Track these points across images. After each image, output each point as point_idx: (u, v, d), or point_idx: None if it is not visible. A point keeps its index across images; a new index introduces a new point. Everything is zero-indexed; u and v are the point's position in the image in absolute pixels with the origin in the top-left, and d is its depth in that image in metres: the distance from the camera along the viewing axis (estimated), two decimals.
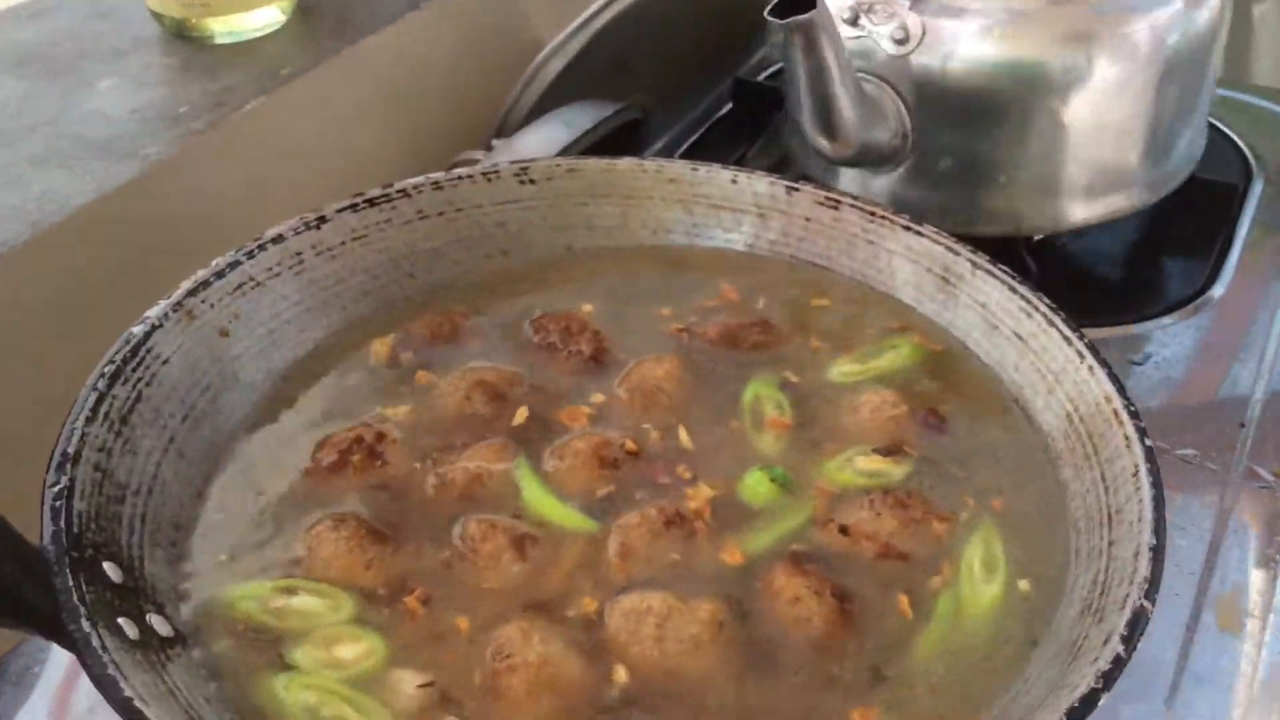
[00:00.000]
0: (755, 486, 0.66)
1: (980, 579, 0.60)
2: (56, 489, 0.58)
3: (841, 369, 0.74)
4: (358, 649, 0.58)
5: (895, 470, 0.67)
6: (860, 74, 0.88)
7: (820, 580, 0.59)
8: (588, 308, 0.79)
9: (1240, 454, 0.82)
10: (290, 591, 0.61)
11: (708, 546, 0.63)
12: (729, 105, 1.22)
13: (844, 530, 0.62)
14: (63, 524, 0.56)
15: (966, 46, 0.88)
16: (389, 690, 0.56)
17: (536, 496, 0.65)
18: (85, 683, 0.67)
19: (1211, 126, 1.18)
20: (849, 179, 0.96)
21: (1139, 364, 0.89)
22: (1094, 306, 0.95)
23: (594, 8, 1.17)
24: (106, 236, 0.88)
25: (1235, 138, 1.17)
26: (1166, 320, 0.94)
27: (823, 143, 0.86)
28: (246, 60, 1.04)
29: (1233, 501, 0.79)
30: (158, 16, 1.06)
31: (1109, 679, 0.51)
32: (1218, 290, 0.97)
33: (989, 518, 0.64)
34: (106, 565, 0.58)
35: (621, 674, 0.56)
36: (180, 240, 0.91)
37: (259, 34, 1.06)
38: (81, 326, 0.85)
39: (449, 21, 1.16)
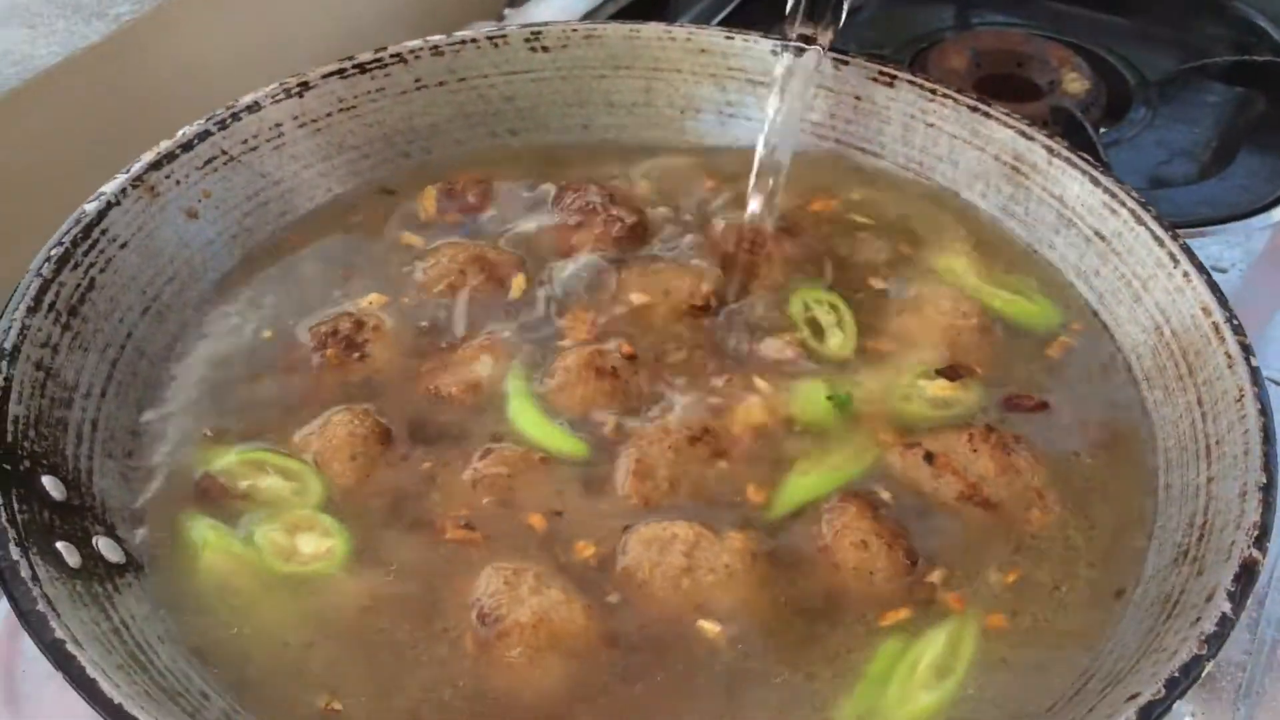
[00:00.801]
0: (808, 406, 0.58)
1: (920, 680, 0.48)
2: None
3: (951, 263, 0.65)
4: (319, 545, 0.52)
5: (965, 396, 0.58)
6: None
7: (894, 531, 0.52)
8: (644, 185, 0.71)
9: None
10: (260, 468, 0.55)
11: (744, 474, 0.55)
12: None
13: (929, 458, 0.54)
14: None
15: None
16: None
17: (523, 415, 0.57)
18: None
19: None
20: None
21: (1222, 273, 0.80)
22: (1170, 204, 0.85)
23: None
24: (72, 102, 0.79)
25: None
26: (1254, 223, 0.84)
27: None
28: None
29: None
30: None
31: (1214, 642, 0.43)
32: None
33: (981, 611, 0.50)
34: (46, 480, 0.50)
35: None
36: (154, 110, 0.82)
37: None
38: (42, 204, 0.76)
39: None
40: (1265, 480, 0.48)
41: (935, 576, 0.51)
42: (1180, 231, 0.80)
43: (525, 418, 0.57)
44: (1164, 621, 0.46)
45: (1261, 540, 0.46)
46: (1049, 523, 0.53)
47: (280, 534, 0.52)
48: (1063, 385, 0.60)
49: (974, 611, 0.50)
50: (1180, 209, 0.86)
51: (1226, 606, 0.44)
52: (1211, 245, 0.82)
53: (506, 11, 1.03)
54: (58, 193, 0.71)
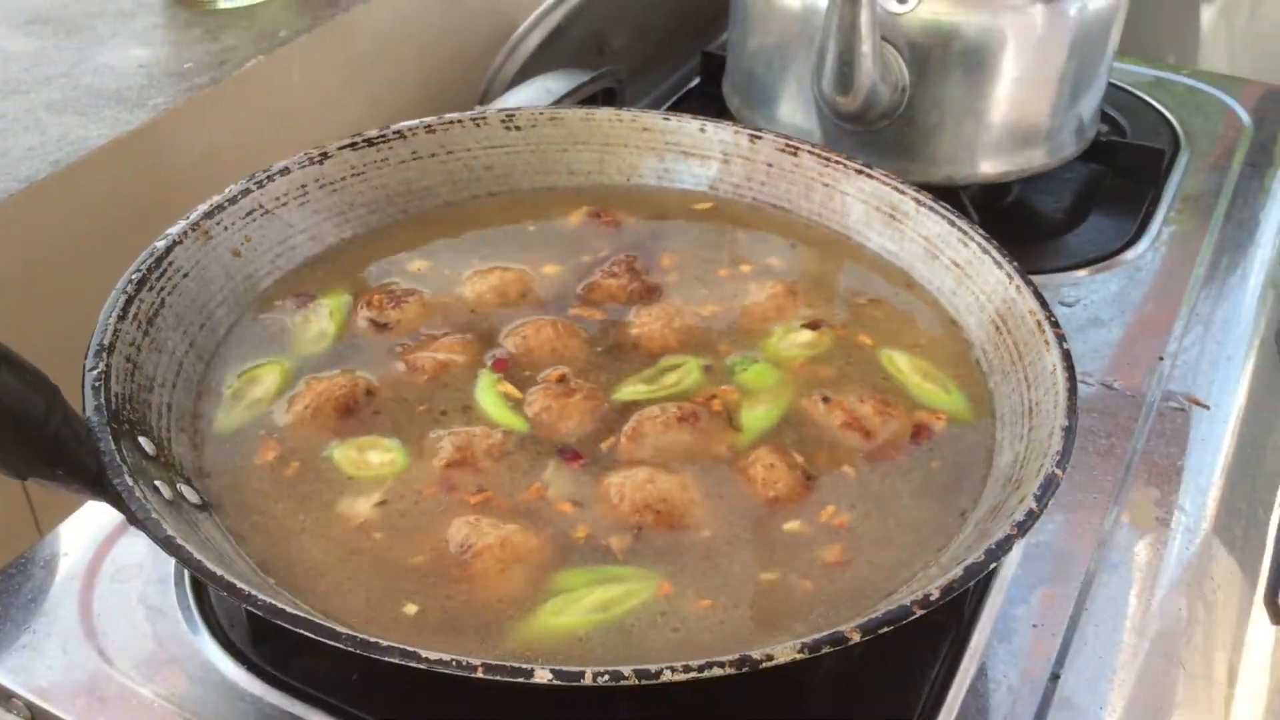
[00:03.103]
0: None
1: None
2: (95, 372, 0.65)
3: (894, 357, 0.80)
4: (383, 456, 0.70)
5: (822, 340, 0.79)
6: None
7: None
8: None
9: (1157, 382, 0.90)
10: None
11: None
12: (697, 79, 1.30)
13: (826, 400, 0.73)
14: (102, 400, 0.63)
15: (956, 12, 0.97)
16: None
17: (488, 399, 0.73)
18: (107, 566, 0.74)
19: (1144, 103, 1.28)
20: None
21: (1069, 306, 0.98)
22: (1033, 256, 1.03)
23: None
24: (120, 176, 0.94)
25: (1168, 114, 1.26)
26: (1097, 270, 1.03)
27: (838, 99, 0.94)
28: (246, 23, 1.10)
29: (1148, 421, 0.87)
30: None
31: (1023, 528, 0.59)
32: (1143, 245, 1.06)
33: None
34: (141, 439, 0.64)
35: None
36: (187, 182, 0.98)
37: (257, 0, 1.13)
38: (98, 255, 0.92)
39: None
40: (1066, 423, 0.65)
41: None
42: (1040, 276, 0.99)
43: (487, 396, 0.73)
44: (990, 521, 0.62)
45: (1062, 462, 0.63)
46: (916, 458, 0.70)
47: (354, 451, 0.69)
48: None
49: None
50: (1041, 259, 1.05)
51: (1033, 504, 0.60)
52: (1063, 286, 1.01)
53: (478, 107, 1.21)
54: (108, 250, 0.87)
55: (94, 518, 0.76)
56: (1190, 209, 1.12)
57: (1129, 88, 1.29)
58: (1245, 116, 1.26)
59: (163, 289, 0.73)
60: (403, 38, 1.20)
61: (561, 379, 0.74)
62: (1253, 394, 0.93)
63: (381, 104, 1.18)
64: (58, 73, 1.03)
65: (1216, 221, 1.10)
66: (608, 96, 1.22)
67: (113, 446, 0.61)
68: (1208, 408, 0.89)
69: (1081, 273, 1.03)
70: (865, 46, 0.92)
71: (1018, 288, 0.76)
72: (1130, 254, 1.05)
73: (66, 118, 0.97)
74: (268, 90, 1.06)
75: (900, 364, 0.78)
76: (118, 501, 0.59)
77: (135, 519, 0.58)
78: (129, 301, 0.70)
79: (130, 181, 0.95)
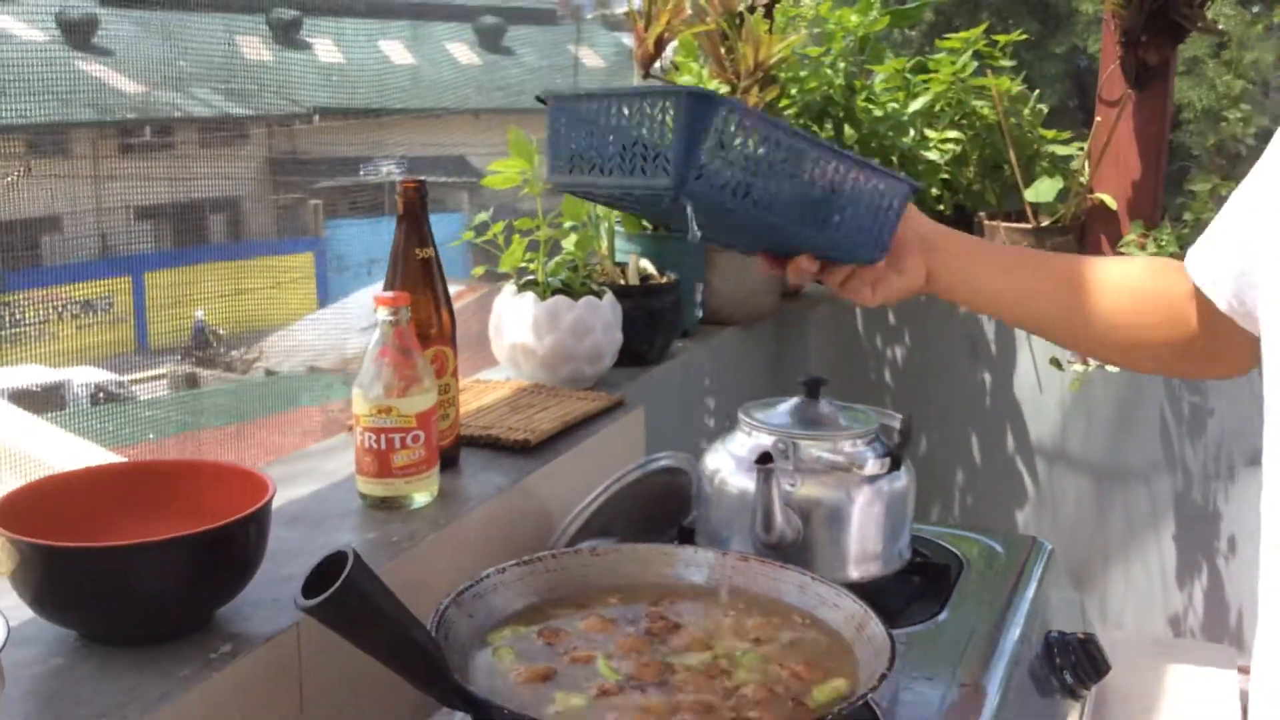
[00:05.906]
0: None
1: None
2: (440, 654, 1.38)
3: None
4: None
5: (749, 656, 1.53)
6: None
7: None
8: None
9: (954, 672, 1.66)
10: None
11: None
12: (675, 542, 2.13)
13: (780, 664, 1.46)
14: (443, 658, 1.36)
15: (821, 490, 1.83)
16: None
17: (605, 669, 1.47)
18: None
19: (940, 544, 2.14)
20: None
21: (904, 645, 1.75)
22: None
23: (589, 499, 2.10)
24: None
25: (955, 550, 2.11)
26: (919, 631, 1.81)
27: (763, 535, 1.77)
28: (420, 517, 1.91)
29: (951, 701, 1.62)
30: (364, 496, 1.94)
31: (874, 689, 1.33)
32: (942, 617, 1.86)
33: None
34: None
35: None
36: (413, 585, 1.73)
37: (421, 505, 1.95)
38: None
39: (517, 503, 2.07)
40: (890, 654, 1.41)
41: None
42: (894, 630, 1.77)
43: (605, 668, 1.46)
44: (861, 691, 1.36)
45: (890, 668, 1.38)
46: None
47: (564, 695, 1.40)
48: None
49: None
50: (892, 625, 1.83)
51: (874, 681, 1.35)
52: (901, 638, 1.78)
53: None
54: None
55: None
56: (970, 601, 1.94)
57: (930, 536, 2.16)
58: (1000, 549, 2.12)
59: (446, 623, 1.48)
60: (496, 521, 2.03)
61: (643, 662, 1.48)
62: (1006, 678, 1.69)
63: (489, 556, 1.97)
64: (317, 546, 1.81)
65: (987, 607, 1.92)
66: None
67: (464, 683, 1.33)
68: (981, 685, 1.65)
69: (911, 629, 1.82)
70: (776, 509, 1.77)
71: (865, 610, 1.55)
72: (935, 622, 1.85)
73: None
74: (438, 549, 1.85)
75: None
76: (473, 706, 1.30)
77: (475, 699, 1.29)
78: (437, 627, 1.44)
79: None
